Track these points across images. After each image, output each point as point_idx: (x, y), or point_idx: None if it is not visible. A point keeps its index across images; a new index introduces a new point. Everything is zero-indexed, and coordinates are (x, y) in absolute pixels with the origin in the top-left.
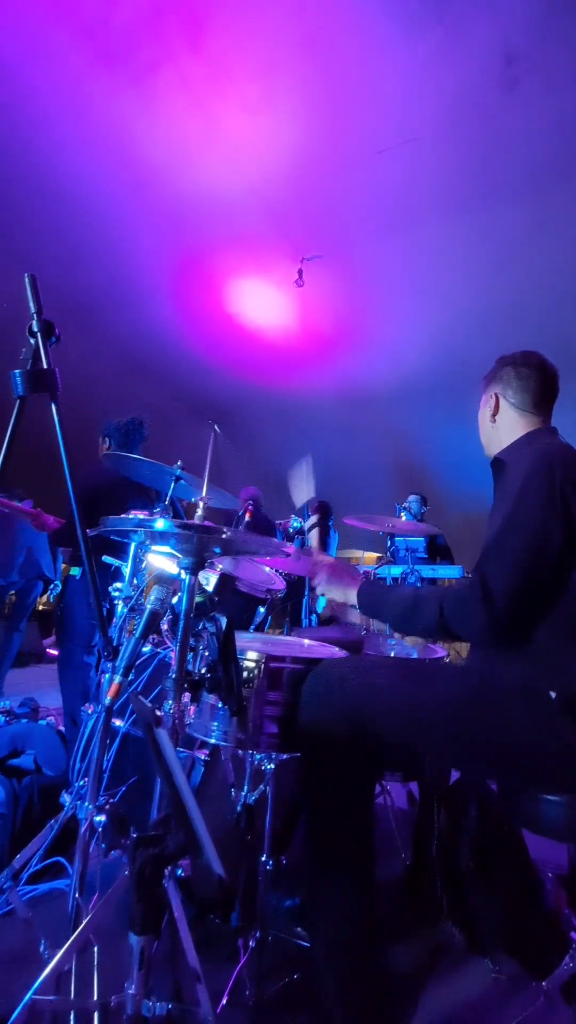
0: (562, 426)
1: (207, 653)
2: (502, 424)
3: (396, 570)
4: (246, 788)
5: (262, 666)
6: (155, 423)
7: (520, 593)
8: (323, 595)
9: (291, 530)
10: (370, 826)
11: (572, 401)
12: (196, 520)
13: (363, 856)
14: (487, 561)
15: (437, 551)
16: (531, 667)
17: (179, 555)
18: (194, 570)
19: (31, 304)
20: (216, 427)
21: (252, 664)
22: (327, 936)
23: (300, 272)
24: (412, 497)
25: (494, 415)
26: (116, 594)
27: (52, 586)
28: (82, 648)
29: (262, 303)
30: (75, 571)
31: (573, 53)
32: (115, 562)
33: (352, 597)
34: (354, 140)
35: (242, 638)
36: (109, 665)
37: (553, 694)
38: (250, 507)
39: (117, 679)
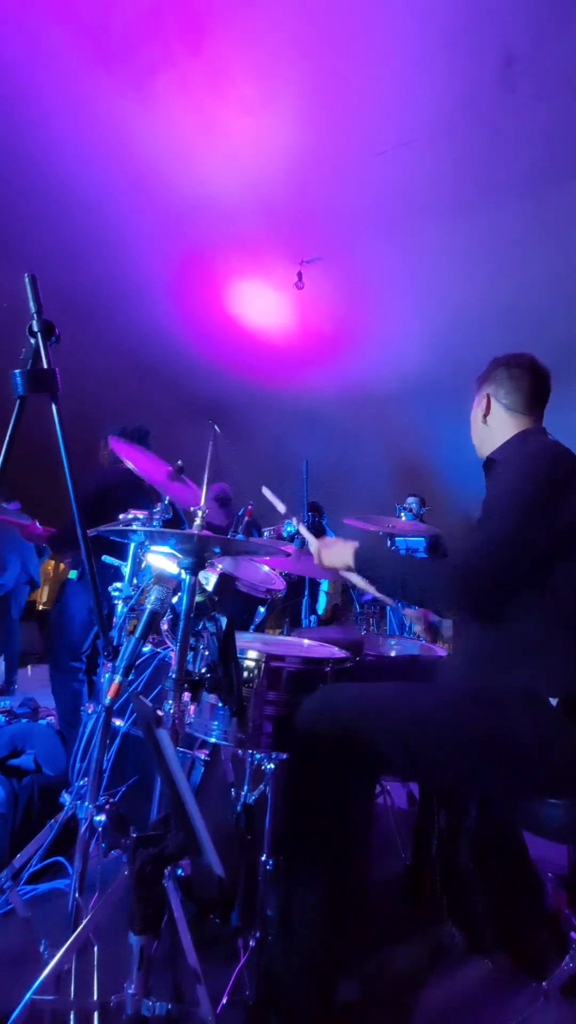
0: (562, 426)
1: (207, 653)
2: (494, 424)
3: None
4: (246, 788)
5: (262, 666)
6: (155, 423)
7: (489, 573)
8: (327, 567)
9: (284, 535)
10: (351, 838)
11: (572, 401)
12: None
13: (338, 868)
14: (471, 544)
15: (437, 552)
16: (530, 671)
17: (179, 555)
18: (194, 570)
19: (31, 304)
20: (216, 427)
21: (252, 664)
22: (289, 943)
23: (299, 275)
24: (411, 499)
25: (486, 415)
26: (116, 594)
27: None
28: (69, 654)
29: (262, 303)
30: (73, 574)
31: (573, 55)
32: (115, 562)
33: (350, 560)
34: (354, 141)
35: (242, 638)
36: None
37: (554, 701)
38: (250, 507)
39: (117, 679)
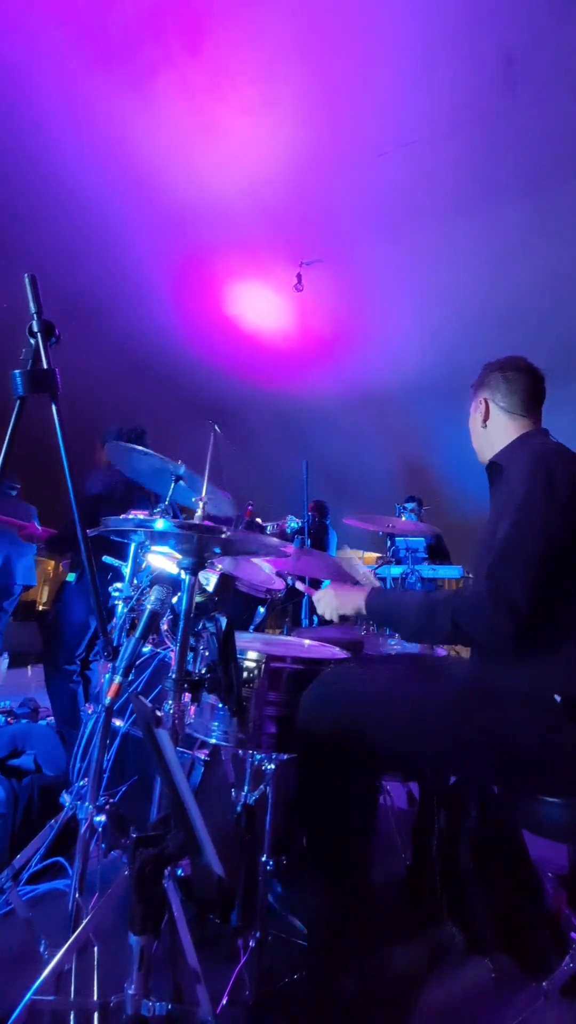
0: (562, 426)
1: (207, 653)
2: (493, 429)
3: (396, 570)
4: (246, 788)
5: (262, 666)
6: (155, 424)
7: (539, 598)
8: (334, 617)
9: (288, 531)
10: (363, 828)
11: (572, 401)
12: (196, 521)
13: (351, 859)
14: (501, 569)
15: (436, 552)
16: (534, 669)
17: (179, 555)
18: (194, 570)
19: (31, 304)
20: (216, 428)
21: (252, 664)
22: (313, 933)
23: (299, 277)
24: (409, 503)
25: (485, 420)
26: (116, 594)
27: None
28: (65, 657)
29: (262, 305)
30: (71, 576)
31: (573, 55)
32: (115, 562)
33: (361, 606)
34: (353, 143)
35: (242, 638)
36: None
37: (558, 697)
38: (250, 507)
39: (117, 679)
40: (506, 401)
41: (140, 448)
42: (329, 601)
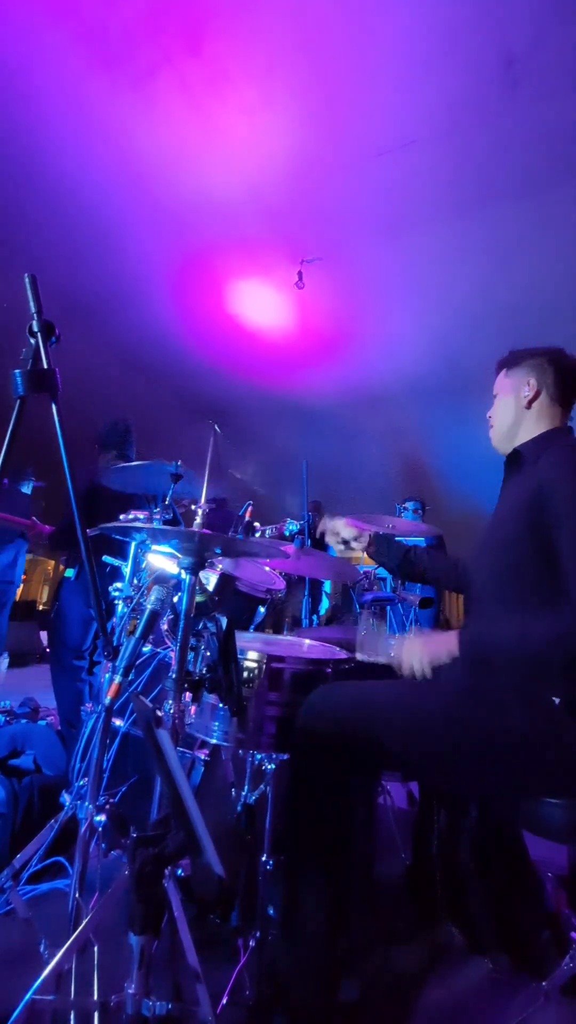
0: None
1: (207, 653)
2: (537, 413)
3: None
4: (246, 788)
5: (263, 666)
6: (155, 423)
7: None
8: (426, 672)
9: (287, 533)
10: (352, 838)
11: None
12: (196, 524)
13: (340, 867)
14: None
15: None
16: (532, 671)
17: (179, 555)
18: (194, 570)
19: (31, 304)
20: (216, 427)
21: (253, 664)
22: (291, 942)
23: (300, 274)
24: (409, 503)
25: (532, 400)
26: (116, 594)
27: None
28: (71, 652)
29: (262, 304)
30: (70, 572)
31: (573, 55)
32: (115, 562)
33: (455, 651)
34: (354, 142)
35: (242, 638)
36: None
37: (557, 700)
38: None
39: (117, 679)
40: (556, 389)
41: (126, 464)
42: (417, 652)
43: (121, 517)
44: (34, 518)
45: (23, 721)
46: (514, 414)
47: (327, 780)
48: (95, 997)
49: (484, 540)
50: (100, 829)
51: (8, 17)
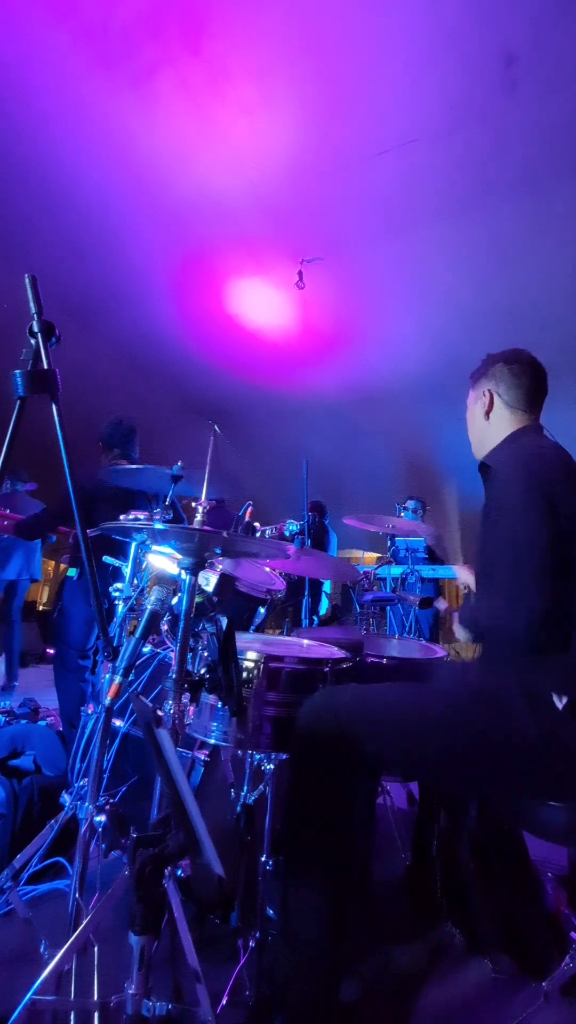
0: (562, 426)
1: (207, 653)
2: (495, 421)
3: (396, 570)
4: (246, 788)
5: (262, 666)
6: (155, 423)
7: (552, 601)
8: None
9: (287, 533)
10: (352, 838)
11: (572, 401)
12: (197, 524)
13: (340, 868)
14: (511, 592)
15: (432, 556)
16: (533, 672)
17: (179, 555)
18: (194, 570)
19: (31, 305)
20: (216, 427)
21: (252, 664)
22: (291, 943)
23: (300, 274)
24: (410, 502)
25: (488, 412)
26: (116, 594)
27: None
28: (75, 652)
29: (262, 304)
30: (72, 572)
31: (573, 55)
32: (115, 562)
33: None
34: (354, 142)
35: (242, 638)
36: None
37: (559, 702)
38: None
39: (117, 679)
40: (509, 394)
41: (127, 466)
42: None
43: (122, 517)
44: (7, 510)
45: (23, 722)
46: (479, 426)
47: (327, 781)
48: (95, 997)
49: (479, 538)
50: (100, 829)
51: (8, 17)
